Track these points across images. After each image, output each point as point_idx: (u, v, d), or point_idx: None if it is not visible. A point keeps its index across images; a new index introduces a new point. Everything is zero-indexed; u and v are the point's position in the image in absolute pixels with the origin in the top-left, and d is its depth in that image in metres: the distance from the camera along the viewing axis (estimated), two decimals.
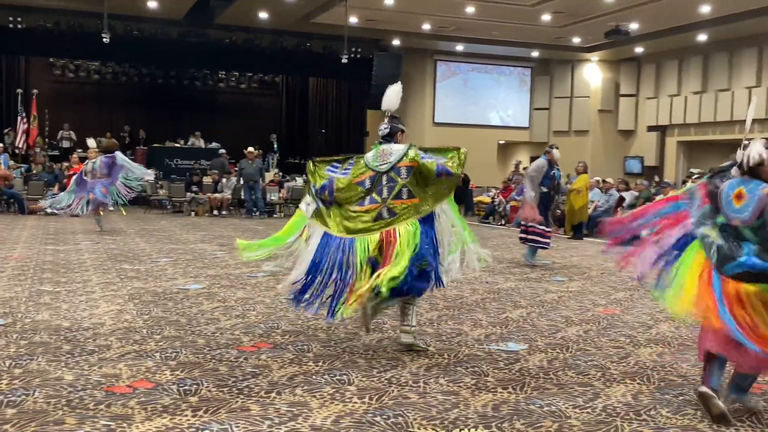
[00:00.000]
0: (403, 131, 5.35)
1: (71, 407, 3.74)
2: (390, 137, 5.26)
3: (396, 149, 5.11)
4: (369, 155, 5.19)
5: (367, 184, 5.07)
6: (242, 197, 18.85)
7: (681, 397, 4.21)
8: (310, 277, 5.09)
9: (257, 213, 18.05)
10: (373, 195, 5.04)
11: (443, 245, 5.08)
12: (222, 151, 21.13)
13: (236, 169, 19.14)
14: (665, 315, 6.69)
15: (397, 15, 20.34)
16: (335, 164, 5.31)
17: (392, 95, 5.49)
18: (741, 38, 20.57)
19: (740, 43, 20.82)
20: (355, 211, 5.07)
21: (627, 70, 25.18)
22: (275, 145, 24.58)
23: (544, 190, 9.97)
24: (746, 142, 3.94)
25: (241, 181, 18.35)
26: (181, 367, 4.52)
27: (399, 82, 5.75)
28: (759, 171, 3.84)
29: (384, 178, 5.03)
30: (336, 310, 4.93)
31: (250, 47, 22.64)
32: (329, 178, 5.18)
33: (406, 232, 4.89)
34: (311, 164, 5.37)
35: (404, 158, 5.03)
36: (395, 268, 4.71)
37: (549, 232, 10.05)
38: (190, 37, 22.02)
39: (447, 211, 5.13)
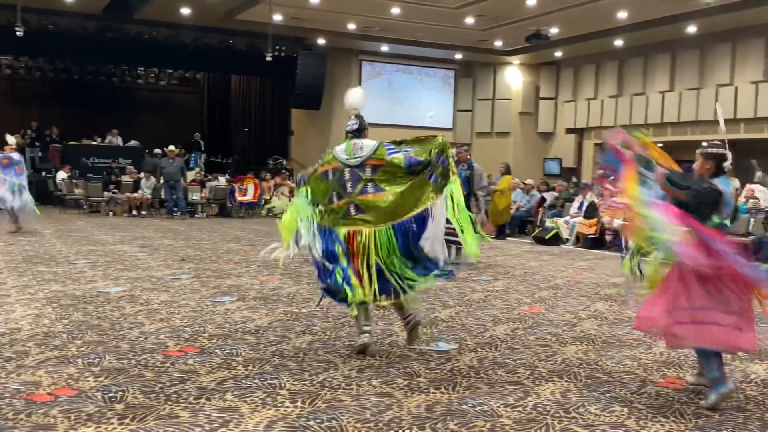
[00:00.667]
0: (367, 129, 5.31)
1: None
2: (359, 132, 5.21)
3: (367, 144, 5.09)
4: (339, 148, 5.16)
5: (330, 176, 5.05)
6: (162, 197, 18.45)
7: (608, 394, 4.31)
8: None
9: (178, 213, 17.67)
10: (337, 190, 5.02)
11: (425, 250, 4.98)
12: (157, 151, 20.61)
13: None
14: (588, 313, 6.87)
15: (322, 14, 20.25)
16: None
17: (357, 95, 5.48)
18: (655, 44, 21.30)
19: (654, 48, 21.55)
20: (329, 207, 5.09)
21: (547, 73, 25.75)
22: (201, 144, 24.12)
23: None
24: (718, 142, 4.49)
25: (162, 181, 17.96)
26: (105, 373, 4.37)
27: (360, 86, 5.71)
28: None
29: (348, 172, 5.00)
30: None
31: (171, 43, 22.12)
32: (303, 173, 5.29)
33: (372, 237, 4.89)
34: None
35: (373, 156, 5.01)
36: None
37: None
38: (108, 32, 21.38)
39: (440, 213, 4.98)
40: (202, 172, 21.35)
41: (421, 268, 5.01)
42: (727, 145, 4.51)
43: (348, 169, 5.02)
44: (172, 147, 18.22)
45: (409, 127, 24.34)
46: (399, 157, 5.01)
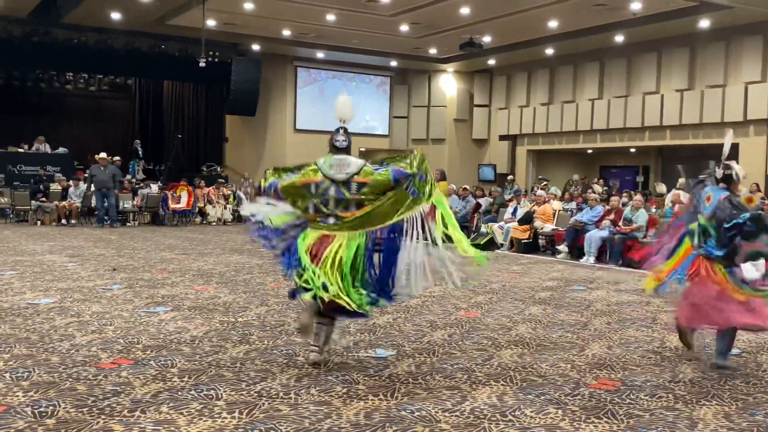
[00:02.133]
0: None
1: None
2: (347, 150, 5.12)
3: (354, 162, 4.98)
4: (323, 162, 5.02)
5: (312, 189, 4.94)
6: (93, 205, 18.01)
7: (543, 397, 4.40)
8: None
9: (108, 222, 17.24)
10: (316, 204, 4.94)
11: (399, 264, 4.90)
12: (117, 158, 20.07)
13: (85, 175, 18.28)
14: (523, 317, 6.99)
15: (257, 20, 20.08)
16: (294, 171, 5.16)
17: (347, 105, 5.43)
18: (584, 53, 21.83)
19: (583, 57, 22.09)
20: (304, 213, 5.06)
21: (480, 81, 26.11)
22: (140, 152, 23.52)
23: None
24: (726, 162, 5.40)
25: (92, 188, 17.49)
26: (35, 388, 4.24)
27: (346, 92, 5.63)
28: (731, 183, 5.31)
29: (332, 188, 4.91)
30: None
31: (101, 48, 21.59)
32: (273, 181, 5.10)
33: (344, 246, 4.84)
34: (270, 170, 5.26)
35: (359, 174, 4.92)
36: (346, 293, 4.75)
37: None
38: (35, 37, 20.75)
39: (417, 224, 4.93)
40: (133, 180, 20.89)
41: (371, 291, 4.89)
42: (721, 162, 5.48)
43: (333, 185, 4.92)
44: (103, 154, 17.77)
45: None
46: (384, 172, 4.94)
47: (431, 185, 5.04)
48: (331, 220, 4.92)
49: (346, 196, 4.90)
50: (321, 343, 4.98)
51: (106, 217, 17.23)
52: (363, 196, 4.91)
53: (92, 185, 17.37)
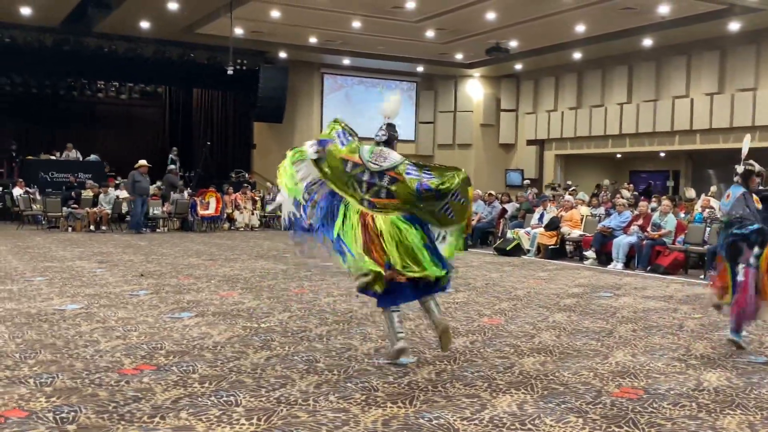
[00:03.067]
0: (397, 139, 5.44)
1: None
2: (387, 144, 5.34)
3: (392, 156, 5.20)
4: (365, 148, 5.26)
5: (349, 166, 5.16)
6: (123, 211, 18.21)
7: (563, 405, 4.35)
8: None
9: (145, 228, 17.36)
10: (353, 184, 5.16)
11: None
12: (172, 167, 20.28)
13: (124, 181, 18.45)
14: (547, 324, 6.93)
15: (284, 27, 20.23)
16: (352, 136, 5.42)
17: (394, 103, 5.67)
18: (612, 57, 21.66)
19: (612, 61, 21.92)
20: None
21: (507, 86, 26.02)
22: (177, 161, 23.39)
23: None
24: (750, 161, 6.13)
25: (134, 195, 17.43)
26: (58, 394, 4.30)
27: (398, 92, 6.00)
28: (749, 180, 6.01)
29: (366, 174, 5.13)
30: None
31: (131, 57, 21.90)
32: (328, 139, 5.31)
33: (391, 225, 5.05)
34: (333, 121, 5.53)
35: (393, 169, 5.12)
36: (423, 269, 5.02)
37: None
38: (66, 46, 21.10)
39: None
40: (163, 187, 21.04)
41: (437, 259, 5.13)
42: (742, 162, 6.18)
43: (368, 172, 5.14)
44: (143, 161, 17.80)
45: (371, 139, 24.42)
46: (413, 179, 5.09)
47: (466, 213, 5.28)
48: (365, 204, 5.13)
49: (377, 183, 5.11)
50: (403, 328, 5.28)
51: (140, 223, 17.30)
52: (393, 189, 5.09)
53: (134, 191, 17.35)
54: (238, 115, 25.85)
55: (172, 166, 20.94)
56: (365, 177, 5.12)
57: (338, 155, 5.21)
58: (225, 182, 21.64)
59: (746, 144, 6.57)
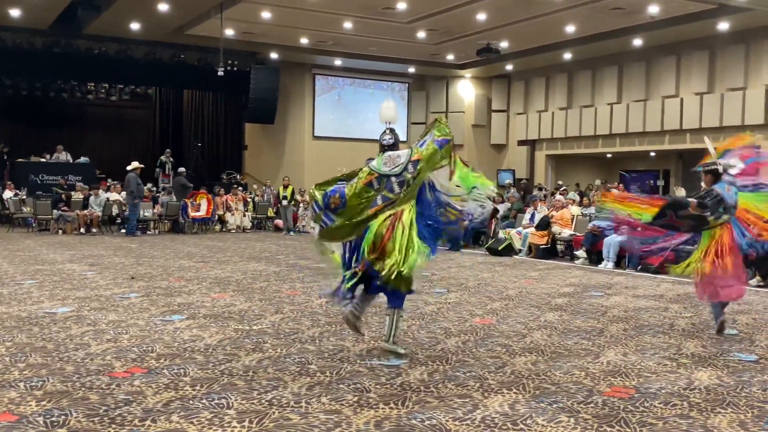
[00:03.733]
0: (399, 141, 5.82)
1: None
2: (394, 147, 5.68)
3: (402, 153, 5.56)
4: (374, 163, 5.58)
5: (375, 184, 5.47)
6: (114, 213, 18.16)
7: (555, 405, 4.36)
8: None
9: (138, 232, 17.25)
10: (384, 193, 5.46)
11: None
12: (181, 169, 20.21)
13: (122, 183, 18.38)
14: (538, 323, 6.95)
15: (275, 28, 20.21)
16: (341, 181, 5.68)
17: (390, 109, 6.14)
18: (602, 57, 21.73)
19: (602, 61, 21.99)
20: (363, 212, 5.49)
21: (498, 86, 26.07)
22: (168, 164, 23.15)
23: None
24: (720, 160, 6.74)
25: (133, 197, 17.26)
26: (48, 397, 4.28)
27: (391, 99, 6.33)
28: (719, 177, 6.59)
29: (393, 177, 5.46)
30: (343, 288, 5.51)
31: (121, 58, 21.85)
32: (337, 187, 5.60)
33: (407, 217, 5.40)
34: (314, 188, 5.75)
35: (411, 155, 5.49)
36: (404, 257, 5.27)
37: None
38: (56, 48, 21.03)
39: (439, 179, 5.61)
40: (154, 188, 20.98)
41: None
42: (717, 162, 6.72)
43: (392, 176, 5.46)
44: (135, 163, 17.65)
45: (362, 140, 24.47)
46: (429, 144, 5.55)
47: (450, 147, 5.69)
48: (380, 200, 5.48)
49: (407, 178, 5.43)
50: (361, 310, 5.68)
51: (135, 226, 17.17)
52: (420, 171, 5.46)
53: (133, 194, 17.18)
54: (229, 116, 25.82)
55: (182, 169, 20.81)
56: (393, 180, 5.45)
57: (362, 184, 5.50)
58: (216, 184, 21.60)
59: (709, 144, 7.12)
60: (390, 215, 5.40)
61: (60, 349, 5.51)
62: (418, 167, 5.44)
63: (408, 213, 5.40)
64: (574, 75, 23.20)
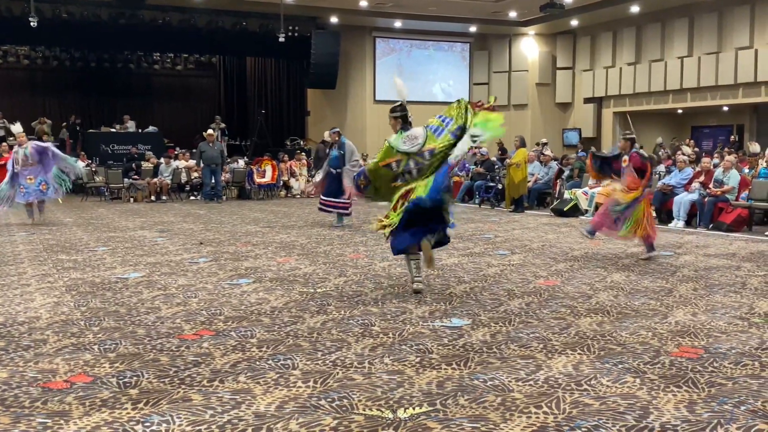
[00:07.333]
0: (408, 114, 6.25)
1: (5, 406, 3.63)
2: (405, 120, 6.15)
3: (419, 132, 5.97)
4: (392, 139, 6.00)
5: (394, 167, 5.90)
6: (183, 181, 18.55)
7: (620, 365, 4.30)
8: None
9: (215, 197, 17.64)
10: (405, 176, 5.95)
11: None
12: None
13: (193, 151, 18.82)
14: (604, 284, 6.84)
15: None
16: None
17: (400, 85, 6.41)
18: (672, 9, 20.97)
19: (671, 13, 21.23)
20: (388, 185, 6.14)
21: (563, 43, 25.47)
22: (218, 131, 23.77)
23: (330, 169, 11.85)
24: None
25: (201, 164, 17.75)
26: (121, 359, 4.43)
27: (396, 75, 6.92)
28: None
29: (411, 162, 5.88)
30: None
31: (185, 28, 22.15)
32: (360, 169, 6.38)
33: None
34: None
35: (426, 143, 5.88)
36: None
37: (346, 202, 11.64)
38: (121, 19, 21.43)
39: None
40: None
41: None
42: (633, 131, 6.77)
43: (411, 160, 5.89)
44: (210, 131, 18.12)
45: (425, 103, 24.28)
46: (444, 137, 5.90)
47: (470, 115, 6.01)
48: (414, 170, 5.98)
49: (425, 164, 5.82)
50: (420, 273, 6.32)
51: (212, 193, 17.64)
52: (435, 160, 5.87)
53: (201, 161, 17.65)
54: (291, 83, 25.97)
55: (297, 139, 21.19)
56: (411, 164, 5.87)
57: (381, 164, 6.04)
58: (280, 150, 21.82)
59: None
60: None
61: (132, 313, 5.69)
62: (435, 155, 5.87)
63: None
64: (643, 28, 22.47)
